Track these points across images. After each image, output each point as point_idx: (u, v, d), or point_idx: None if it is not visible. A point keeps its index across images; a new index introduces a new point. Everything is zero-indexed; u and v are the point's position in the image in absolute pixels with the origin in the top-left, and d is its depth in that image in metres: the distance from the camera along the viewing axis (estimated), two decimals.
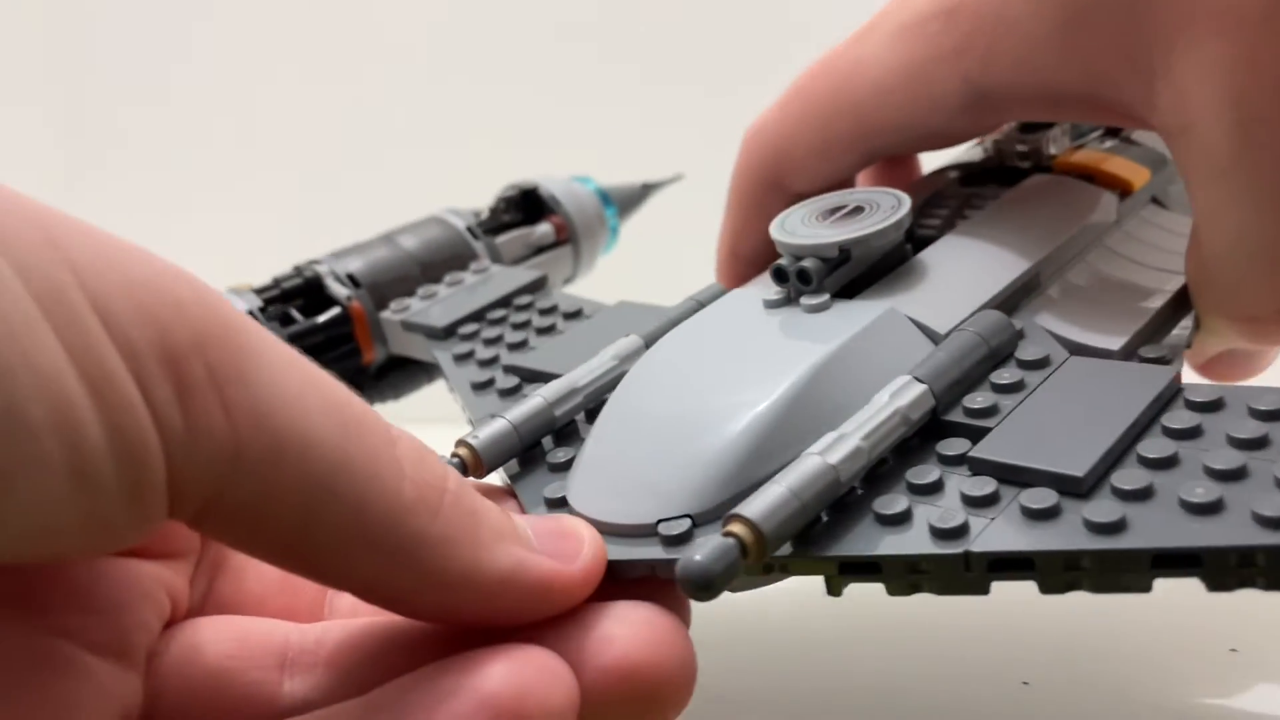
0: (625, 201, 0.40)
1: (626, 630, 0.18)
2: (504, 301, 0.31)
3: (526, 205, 0.37)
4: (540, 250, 0.37)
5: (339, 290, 0.32)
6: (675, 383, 0.22)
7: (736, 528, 0.17)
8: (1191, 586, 0.29)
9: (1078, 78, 0.23)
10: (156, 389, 0.15)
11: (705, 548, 0.17)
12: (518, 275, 0.32)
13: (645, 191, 0.41)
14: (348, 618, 0.21)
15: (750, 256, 0.29)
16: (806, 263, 0.23)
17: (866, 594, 0.30)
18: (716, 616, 0.29)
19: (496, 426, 0.22)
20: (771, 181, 0.28)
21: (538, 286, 0.32)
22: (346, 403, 0.17)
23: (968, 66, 0.24)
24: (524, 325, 0.29)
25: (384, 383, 0.33)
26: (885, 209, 0.24)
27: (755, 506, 0.17)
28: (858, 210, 0.24)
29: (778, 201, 0.27)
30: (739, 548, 0.17)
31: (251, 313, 0.31)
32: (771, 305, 0.23)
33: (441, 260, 0.34)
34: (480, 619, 0.18)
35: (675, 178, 0.42)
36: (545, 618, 0.18)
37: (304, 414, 0.16)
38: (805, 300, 0.23)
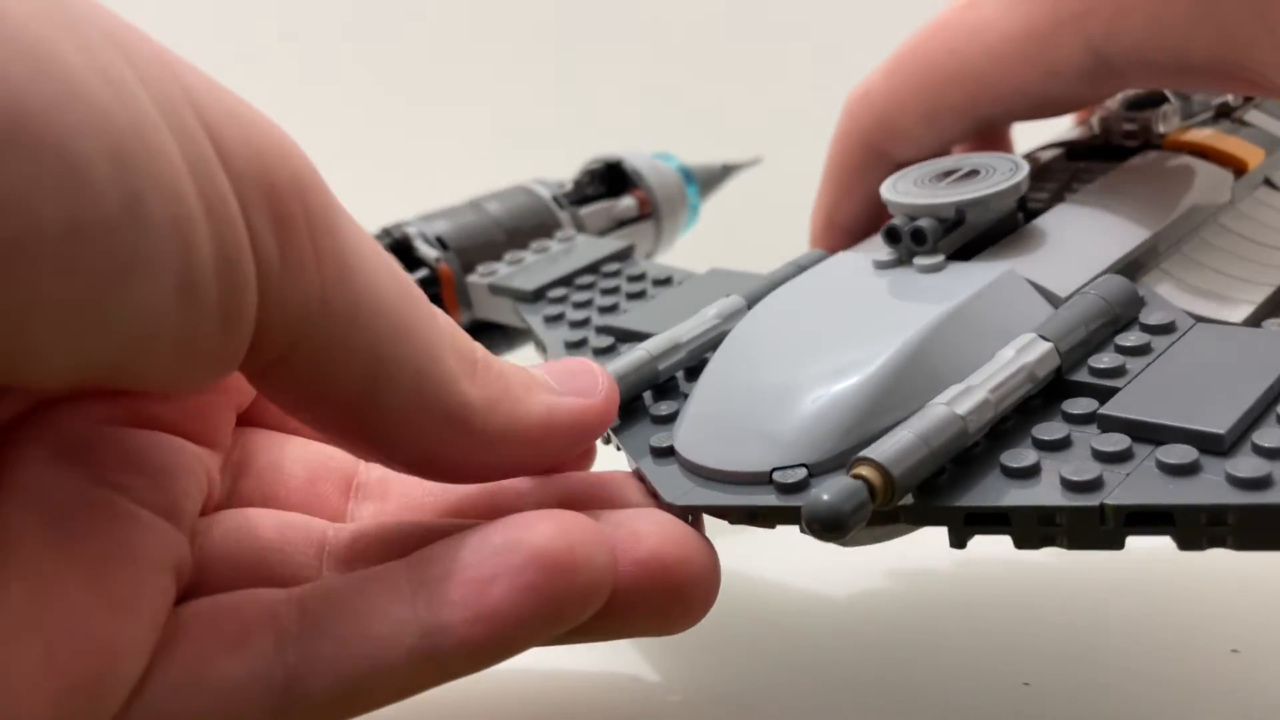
0: (706, 180, 0.40)
1: (654, 529, 0.18)
2: (592, 268, 0.31)
3: (610, 179, 0.37)
4: (623, 224, 0.36)
5: (428, 252, 0.32)
6: (788, 336, 0.21)
7: (864, 470, 0.17)
8: (1192, 587, 0.30)
9: (1210, 43, 0.22)
10: (258, 220, 0.15)
11: (833, 488, 0.16)
12: (604, 244, 0.32)
13: (725, 172, 0.41)
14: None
15: (848, 225, 0.28)
16: (922, 222, 0.23)
17: (867, 594, 0.29)
18: (716, 616, 0.29)
19: None
20: (875, 148, 0.28)
21: (625, 255, 0.31)
22: (404, 274, 0.17)
23: (1092, 32, 0.23)
24: (614, 290, 0.29)
25: None
26: (1002, 172, 0.23)
27: (883, 450, 0.17)
28: (972, 174, 0.24)
29: (880, 169, 0.27)
30: (867, 489, 0.17)
31: None
32: (883, 266, 0.23)
33: (528, 228, 0.34)
34: (525, 468, 0.19)
35: (755, 160, 0.42)
36: (581, 451, 0.20)
37: (377, 277, 0.17)
38: (919, 261, 0.22)
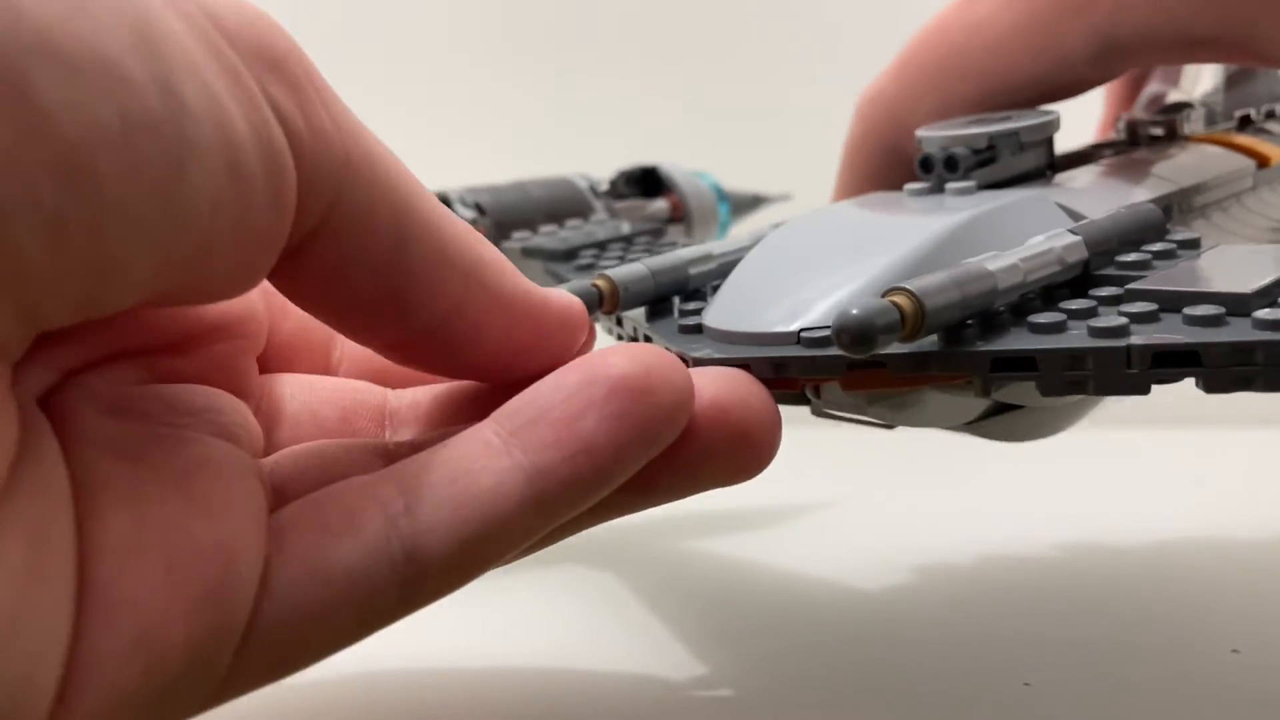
0: (737, 205, 0.41)
1: (712, 379, 0.18)
2: (626, 239, 0.31)
3: (646, 184, 0.38)
4: (655, 225, 0.37)
5: (465, 213, 0.32)
6: (822, 235, 0.22)
7: (897, 296, 0.17)
8: (1193, 587, 0.30)
9: (1214, 20, 0.23)
10: (274, 90, 0.15)
11: (865, 305, 0.17)
12: (638, 225, 0.33)
13: (756, 202, 0.42)
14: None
15: None
16: (955, 150, 0.23)
17: (866, 594, 0.30)
18: (715, 616, 0.29)
19: (634, 268, 0.23)
20: (890, 147, 0.28)
21: (659, 233, 0.32)
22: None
23: (1097, 19, 0.24)
24: (647, 252, 0.30)
25: None
26: (1034, 114, 0.24)
27: (917, 283, 0.17)
28: (1004, 119, 0.25)
29: (896, 168, 0.28)
30: (898, 312, 0.17)
31: None
32: (916, 194, 0.24)
33: (564, 211, 0.35)
34: (533, 345, 0.19)
35: (785, 196, 0.43)
36: (580, 339, 0.20)
37: (375, 138, 0.17)
38: (951, 187, 0.23)
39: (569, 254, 0.30)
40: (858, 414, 0.21)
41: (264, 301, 0.21)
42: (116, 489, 0.15)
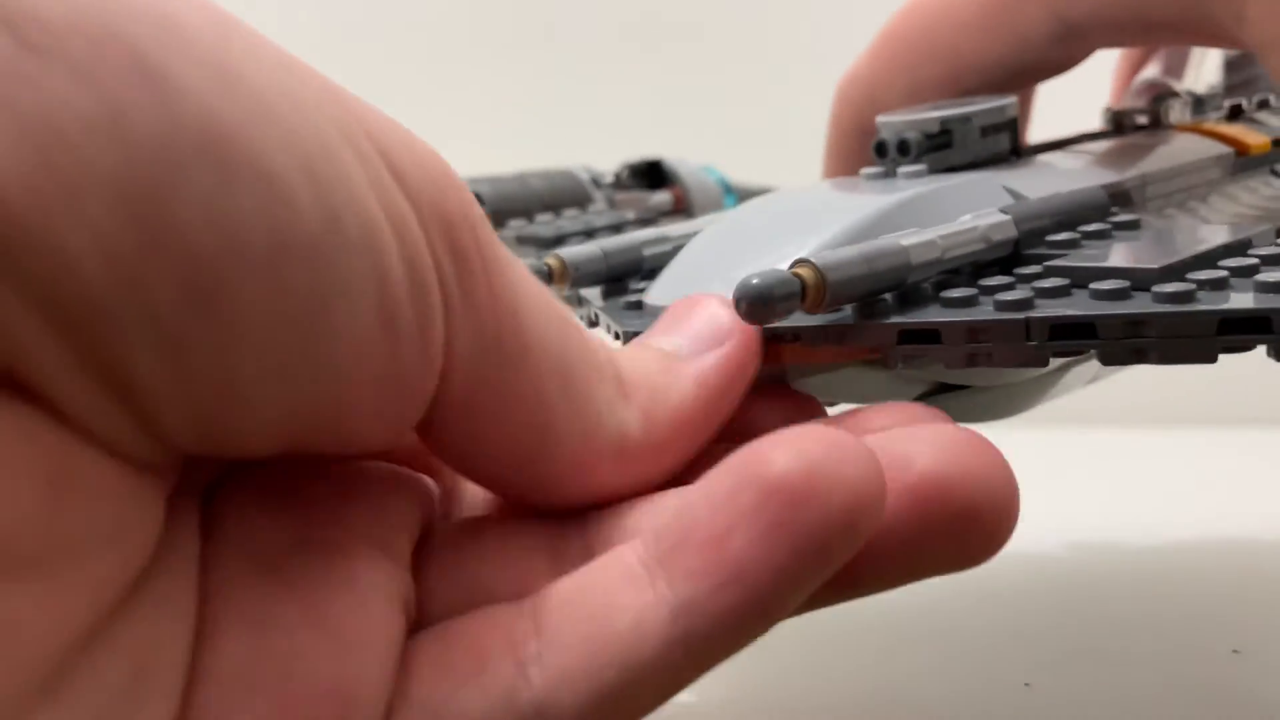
0: (745, 197, 0.41)
1: (928, 443, 0.15)
2: (617, 227, 0.32)
3: (650, 177, 0.39)
4: (656, 217, 0.38)
5: None
6: (769, 213, 0.22)
7: (800, 268, 0.17)
8: (1194, 588, 0.29)
9: (1167, 1, 0.23)
10: (438, 247, 0.14)
11: (765, 275, 0.17)
12: (640, 217, 0.33)
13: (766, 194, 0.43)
14: None
15: None
16: (907, 134, 0.24)
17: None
18: None
19: (586, 248, 0.23)
20: (866, 129, 0.28)
21: (650, 222, 0.33)
22: (565, 311, 0.16)
23: (1055, 0, 0.25)
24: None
25: None
26: (990, 99, 0.24)
27: (822, 256, 0.18)
28: (960, 105, 0.25)
29: (855, 145, 0.28)
30: (799, 282, 0.17)
31: None
32: (870, 176, 0.24)
33: (562, 201, 0.35)
34: (699, 449, 0.18)
35: None
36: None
37: (543, 317, 0.16)
38: (903, 170, 0.23)
39: (557, 241, 0.31)
40: None
41: None
42: (244, 607, 0.14)
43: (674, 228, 0.25)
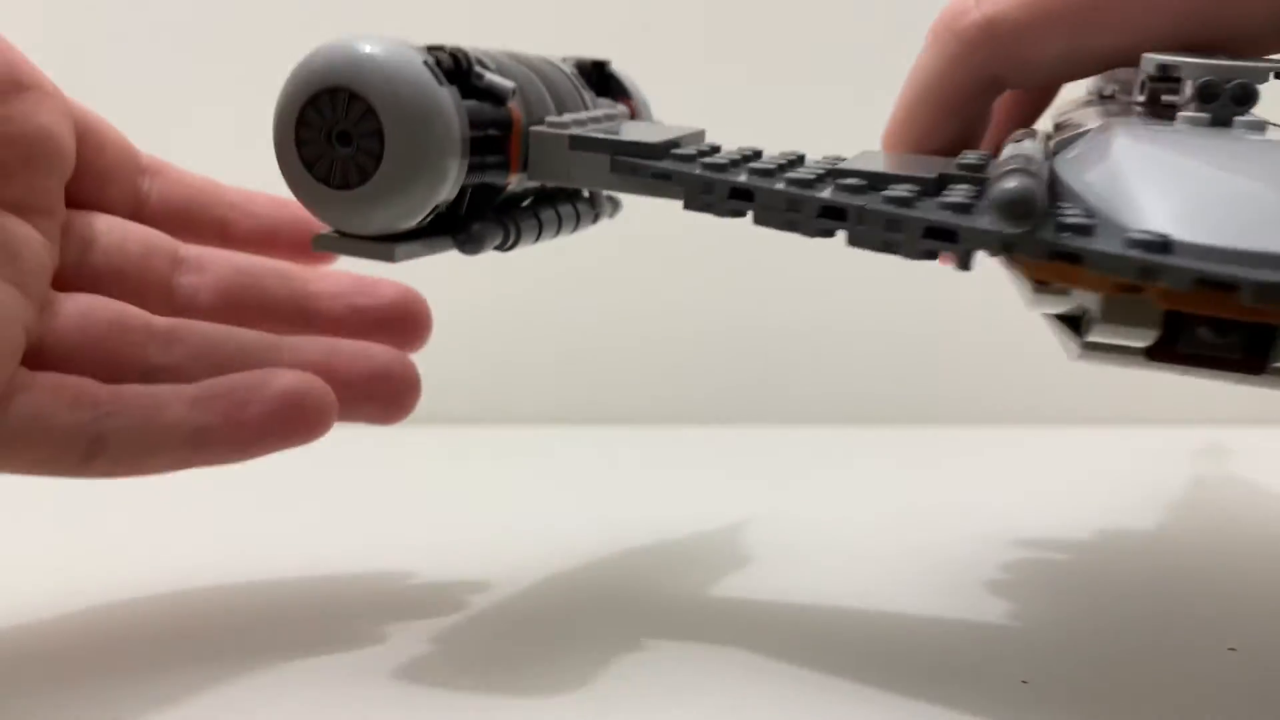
0: None
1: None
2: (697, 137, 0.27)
3: (598, 80, 0.32)
4: None
5: (502, 83, 0.25)
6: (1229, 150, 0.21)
7: None
8: (1191, 586, 0.32)
9: None
10: None
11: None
12: (680, 127, 0.28)
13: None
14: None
15: (938, 152, 0.27)
16: (1245, 80, 0.22)
17: (866, 593, 0.30)
18: (714, 615, 0.29)
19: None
20: (995, 78, 0.26)
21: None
22: None
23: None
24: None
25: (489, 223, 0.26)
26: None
27: None
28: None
29: (987, 99, 0.27)
30: None
31: (435, 72, 0.24)
32: (1197, 123, 0.22)
33: (560, 96, 0.28)
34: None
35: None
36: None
37: None
38: (1242, 119, 0.22)
39: (665, 149, 0.25)
40: None
41: (74, 134, 0.25)
42: None
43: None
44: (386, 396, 0.28)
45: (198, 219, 0.28)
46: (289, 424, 0.25)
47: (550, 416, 0.49)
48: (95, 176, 0.26)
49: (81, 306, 0.25)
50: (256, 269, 0.28)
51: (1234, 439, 0.47)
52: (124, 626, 0.28)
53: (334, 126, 0.23)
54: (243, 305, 0.28)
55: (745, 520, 0.37)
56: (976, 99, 0.27)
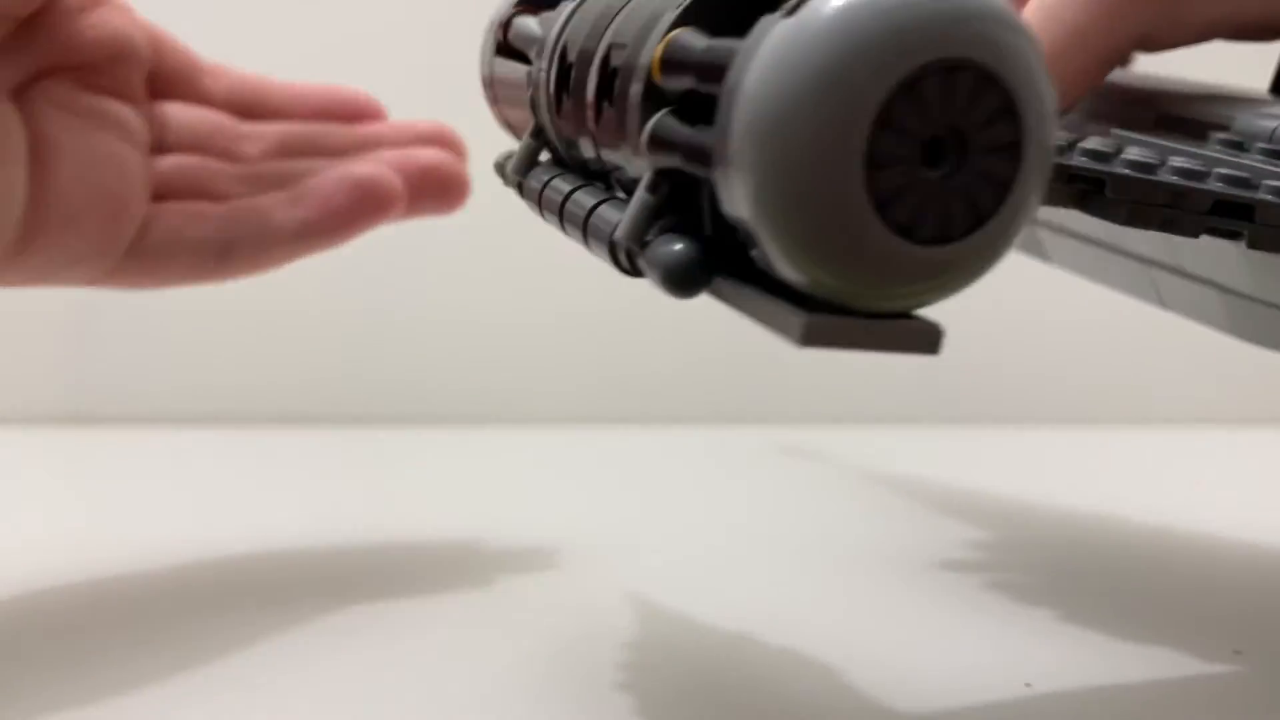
0: None
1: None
2: None
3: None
4: None
5: None
6: None
7: None
8: (1195, 588, 0.32)
9: None
10: None
11: None
12: None
13: None
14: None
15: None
16: None
17: (866, 593, 0.30)
18: (716, 614, 0.29)
19: None
20: (1140, 39, 0.24)
21: None
22: None
23: None
24: None
25: None
26: None
27: None
28: None
29: (1123, 63, 0.27)
30: None
31: None
32: None
33: None
34: None
35: None
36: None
37: None
38: None
39: None
40: None
41: (145, 38, 0.29)
42: (60, 138, 0.27)
43: None
44: (440, 185, 0.32)
45: (257, 109, 0.32)
46: (371, 205, 0.30)
47: (551, 416, 0.49)
48: (164, 75, 0.30)
49: (176, 158, 0.30)
50: (310, 127, 0.32)
51: (1234, 439, 0.47)
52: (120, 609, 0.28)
53: (941, 131, 0.14)
54: (300, 152, 0.32)
55: (743, 520, 0.37)
56: (1121, 57, 0.26)
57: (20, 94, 0.26)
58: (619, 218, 0.17)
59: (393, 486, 0.40)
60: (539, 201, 0.21)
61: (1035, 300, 0.46)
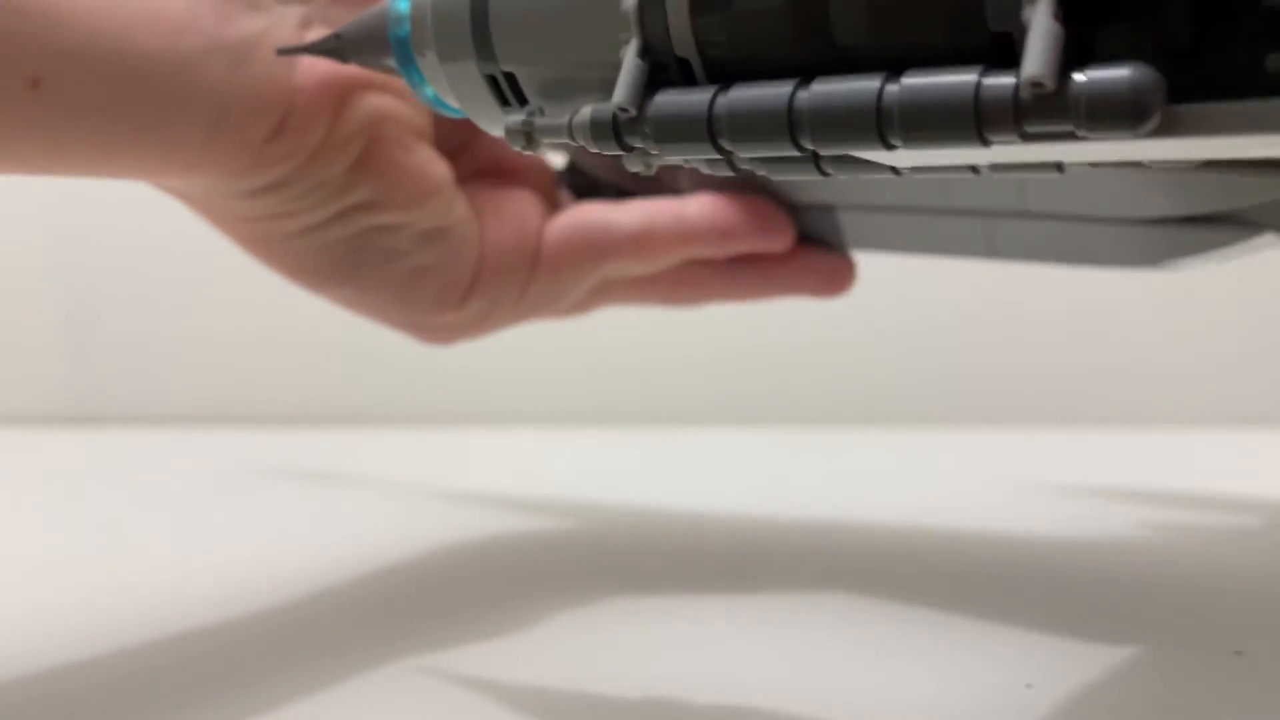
0: None
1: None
2: None
3: None
4: None
5: None
6: None
7: None
8: (1196, 589, 0.32)
9: None
10: None
11: None
12: None
13: None
14: None
15: None
16: None
17: (865, 593, 0.30)
18: (717, 611, 0.29)
19: None
20: None
21: None
22: None
23: None
24: None
25: None
26: None
27: None
28: None
29: None
30: None
31: None
32: None
33: None
34: None
35: None
36: None
37: None
38: None
39: None
40: None
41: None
42: (488, 192, 0.32)
43: None
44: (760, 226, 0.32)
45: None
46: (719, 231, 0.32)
47: (550, 417, 0.49)
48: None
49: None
50: None
51: (1234, 439, 0.48)
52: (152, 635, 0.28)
53: None
54: None
55: (740, 520, 0.37)
56: None
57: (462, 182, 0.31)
58: (991, 78, 0.14)
59: (392, 486, 0.40)
60: (788, 116, 0.15)
61: (1035, 301, 0.46)
